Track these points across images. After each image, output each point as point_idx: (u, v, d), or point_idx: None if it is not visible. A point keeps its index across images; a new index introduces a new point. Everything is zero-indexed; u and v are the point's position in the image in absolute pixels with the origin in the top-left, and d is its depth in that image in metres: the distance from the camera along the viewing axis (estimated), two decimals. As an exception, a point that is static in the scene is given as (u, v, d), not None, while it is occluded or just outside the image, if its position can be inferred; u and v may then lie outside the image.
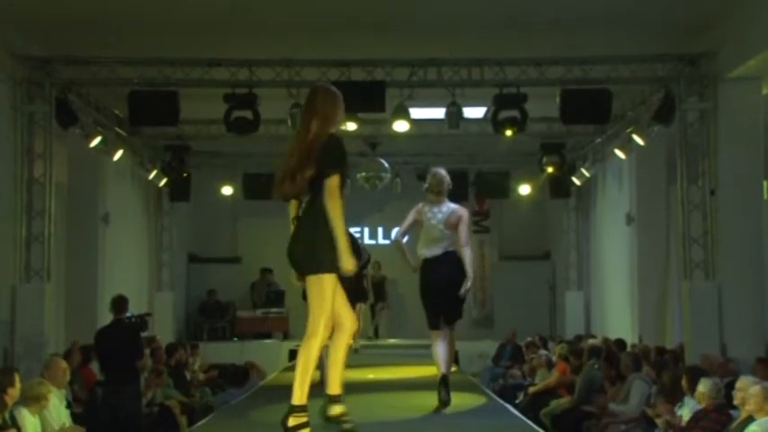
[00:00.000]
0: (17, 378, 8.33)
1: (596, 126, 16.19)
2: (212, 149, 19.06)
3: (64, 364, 9.83)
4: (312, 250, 5.96)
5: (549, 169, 18.36)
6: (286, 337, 20.40)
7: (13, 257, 12.31)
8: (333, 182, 5.87)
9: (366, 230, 23.15)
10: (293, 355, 16.39)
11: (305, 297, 6.12)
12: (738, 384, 8.08)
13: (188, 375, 13.88)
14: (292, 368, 10.71)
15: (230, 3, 11.82)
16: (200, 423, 8.70)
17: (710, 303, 12.40)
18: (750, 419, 7.66)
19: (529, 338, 16.67)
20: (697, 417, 8.64)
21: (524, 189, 20.81)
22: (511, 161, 20.21)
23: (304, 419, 5.91)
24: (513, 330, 18.36)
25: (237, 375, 14.25)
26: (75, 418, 9.71)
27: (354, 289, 14.04)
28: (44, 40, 12.83)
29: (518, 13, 12.14)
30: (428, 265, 8.35)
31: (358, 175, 19.01)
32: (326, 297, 5.94)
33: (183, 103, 13.00)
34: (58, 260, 14.08)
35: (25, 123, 12.58)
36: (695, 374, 9.22)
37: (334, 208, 5.85)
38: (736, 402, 8.12)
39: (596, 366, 11.87)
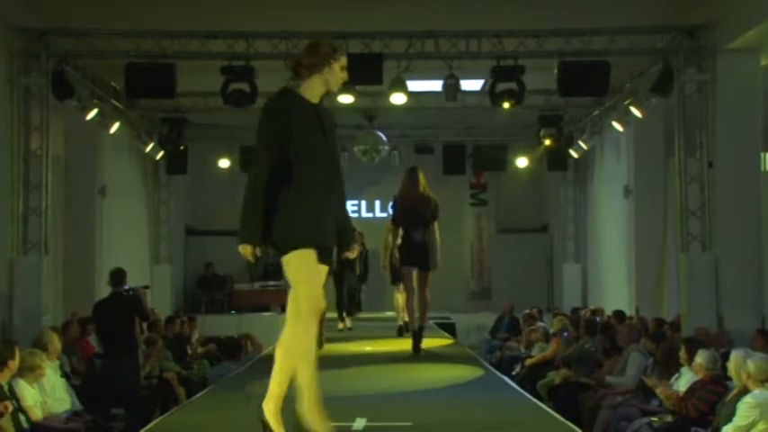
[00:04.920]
0: (17, 351, 8.37)
1: (594, 98, 16.16)
2: (209, 122, 18.99)
3: (54, 335, 9.85)
4: (433, 257, 10.60)
5: (547, 142, 18.33)
6: (284, 310, 20.26)
7: (11, 230, 12.31)
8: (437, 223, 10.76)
9: (363, 204, 23.14)
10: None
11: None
12: (732, 357, 8.11)
13: (189, 349, 13.90)
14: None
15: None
16: (198, 395, 8.73)
17: (707, 275, 12.43)
18: (745, 391, 7.69)
19: (526, 311, 16.70)
20: (693, 387, 8.67)
21: (522, 162, 20.80)
22: (508, 134, 20.18)
23: None
24: (511, 303, 18.39)
25: (231, 348, 14.24)
26: (74, 389, 9.75)
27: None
28: (40, 12, 12.77)
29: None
30: None
31: (355, 149, 18.97)
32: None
33: (180, 76, 12.96)
34: (56, 233, 14.10)
35: (21, 96, 12.54)
36: (693, 346, 9.25)
37: (439, 236, 10.74)
38: (730, 374, 8.16)
39: (587, 345, 11.87)
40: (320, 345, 11.68)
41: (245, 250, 5.30)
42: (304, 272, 5.38)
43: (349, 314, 15.17)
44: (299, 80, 5.59)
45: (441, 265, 10.83)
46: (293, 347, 5.49)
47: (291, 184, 5.31)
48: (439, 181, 18.53)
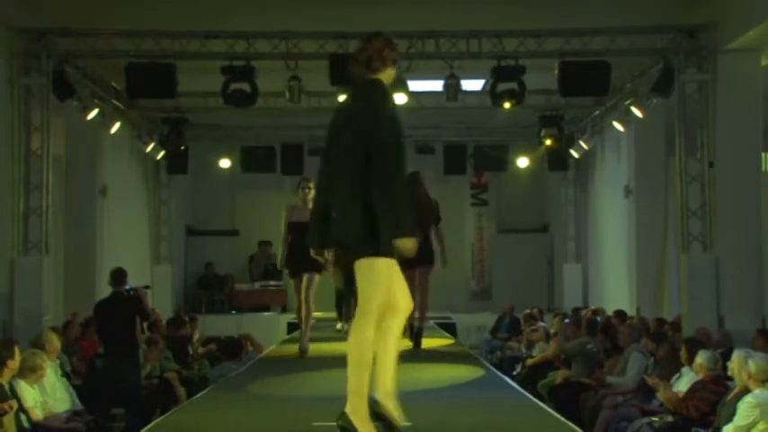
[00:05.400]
0: (17, 350, 8.37)
1: (595, 98, 16.16)
2: (210, 122, 18.98)
3: (53, 335, 9.85)
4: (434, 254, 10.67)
5: (548, 142, 18.32)
6: (284, 310, 20.41)
7: (11, 230, 12.31)
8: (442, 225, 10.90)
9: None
10: (291, 327, 16.39)
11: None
12: (734, 356, 8.12)
13: (190, 349, 13.89)
14: (291, 341, 10.66)
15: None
16: (198, 395, 8.73)
17: (708, 276, 12.42)
18: (746, 391, 7.70)
19: (527, 311, 16.71)
20: (694, 388, 8.68)
21: (523, 162, 20.78)
22: (509, 134, 20.16)
23: None
24: (512, 303, 18.39)
25: (231, 348, 14.24)
26: (74, 389, 9.75)
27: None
28: (40, 12, 12.77)
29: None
30: None
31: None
32: None
33: (181, 76, 12.95)
34: (57, 233, 14.10)
35: (22, 96, 12.53)
36: (694, 346, 9.25)
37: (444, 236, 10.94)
38: (731, 374, 8.16)
39: (589, 346, 11.86)
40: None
41: (412, 243, 5.32)
42: (384, 279, 5.41)
43: (349, 317, 15.06)
44: (371, 73, 5.64)
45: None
46: (356, 350, 5.47)
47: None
48: (440, 181, 18.58)
